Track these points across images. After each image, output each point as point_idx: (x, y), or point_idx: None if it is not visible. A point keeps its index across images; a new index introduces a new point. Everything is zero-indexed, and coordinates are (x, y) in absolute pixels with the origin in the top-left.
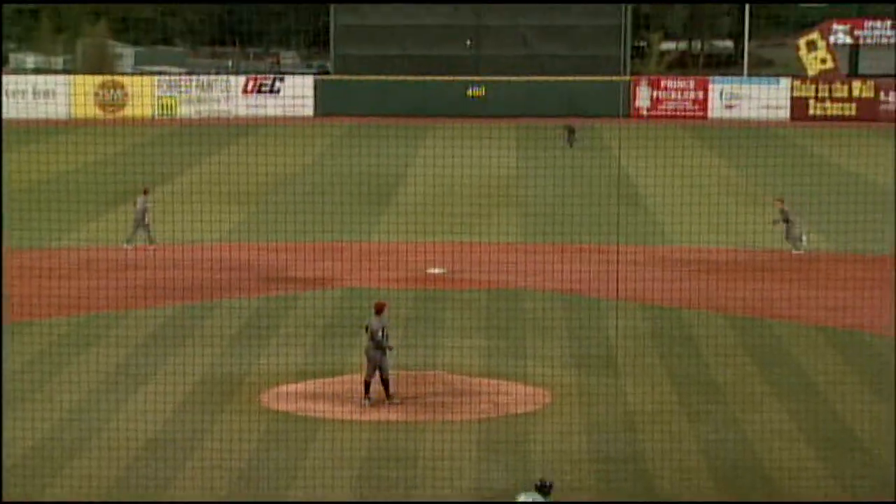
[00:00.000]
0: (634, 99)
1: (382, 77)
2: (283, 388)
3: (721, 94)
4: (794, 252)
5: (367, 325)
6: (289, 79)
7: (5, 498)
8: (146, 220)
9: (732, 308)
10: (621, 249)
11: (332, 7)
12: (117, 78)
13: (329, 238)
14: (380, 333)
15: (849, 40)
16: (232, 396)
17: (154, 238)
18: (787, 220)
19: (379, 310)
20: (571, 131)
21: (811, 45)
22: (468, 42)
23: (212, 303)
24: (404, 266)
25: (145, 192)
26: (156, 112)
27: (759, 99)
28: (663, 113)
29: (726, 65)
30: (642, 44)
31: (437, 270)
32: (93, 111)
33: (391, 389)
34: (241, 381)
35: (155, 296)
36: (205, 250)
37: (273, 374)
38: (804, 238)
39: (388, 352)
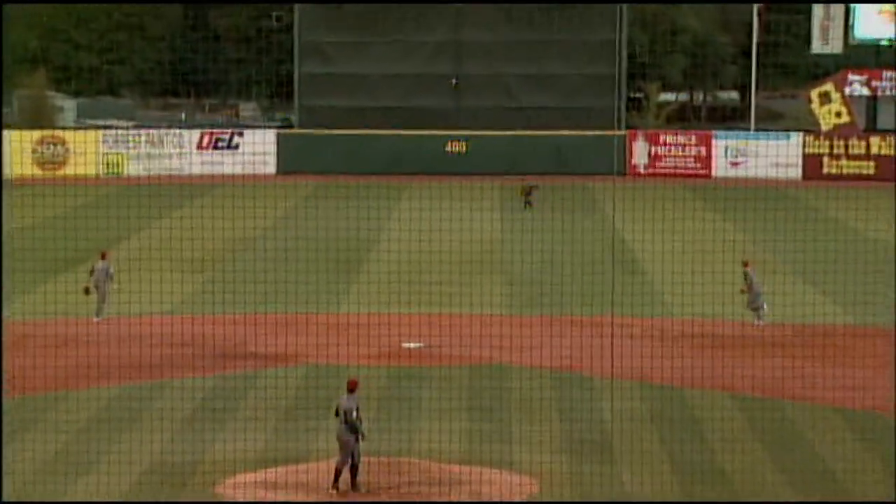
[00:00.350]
0: (630, 155)
1: (352, 131)
2: (241, 478)
3: (726, 150)
4: (756, 323)
5: (337, 406)
6: (248, 133)
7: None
8: (107, 288)
9: (741, 387)
10: (616, 321)
11: (295, 54)
12: (57, 132)
13: (293, 309)
14: (353, 414)
15: (866, 92)
16: (184, 487)
17: (101, 310)
18: (750, 287)
19: (352, 388)
20: (529, 191)
21: (825, 97)
22: (453, 81)
23: (161, 382)
24: (376, 340)
25: (103, 257)
26: (100, 170)
27: (767, 156)
28: (662, 170)
29: (731, 118)
30: (639, 95)
31: (412, 345)
32: (30, 169)
33: (359, 478)
34: (194, 469)
35: (97, 375)
36: (154, 324)
37: (230, 461)
38: (764, 308)
39: (361, 437)
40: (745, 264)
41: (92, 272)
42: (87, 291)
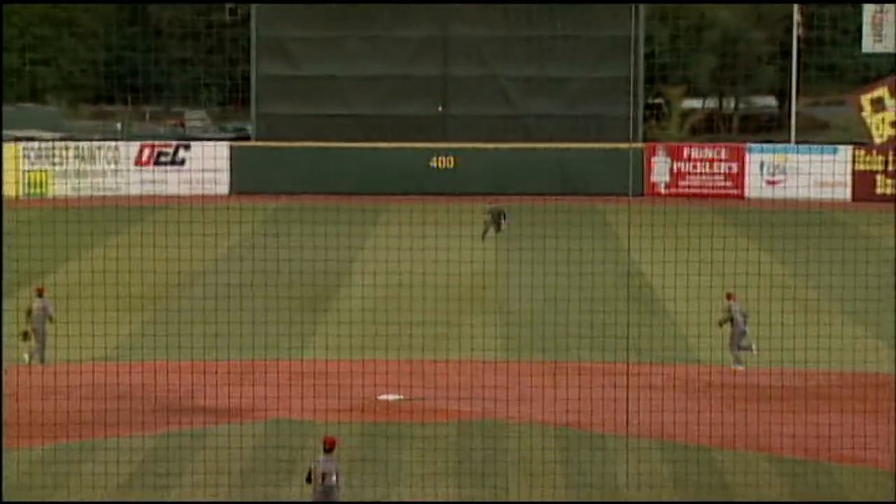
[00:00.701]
0: (649, 172)
1: (319, 143)
2: None
3: (762, 166)
4: (734, 367)
5: (310, 470)
6: (196, 146)
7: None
8: (46, 329)
9: (779, 448)
10: (633, 369)
11: (252, 53)
12: None
13: (249, 355)
14: (333, 478)
15: None
16: None
17: (34, 356)
18: (732, 321)
19: (329, 447)
20: (499, 216)
21: (878, 104)
22: (439, 107)
23: (93, 442)
24: (348, 391)
25: (40, 294)
26: (21, 190)
27: (810, 173)
28: (686, 190)
29: (768, 128)
30: (658, 101)
31: (391, 397)
32: None
33: None
34: None
35: (17, 434)
36: (84, 373)
37: None
38: (753, 350)
39: None
40: (729, 297)
41: (30, 313)
42: (25, 336)
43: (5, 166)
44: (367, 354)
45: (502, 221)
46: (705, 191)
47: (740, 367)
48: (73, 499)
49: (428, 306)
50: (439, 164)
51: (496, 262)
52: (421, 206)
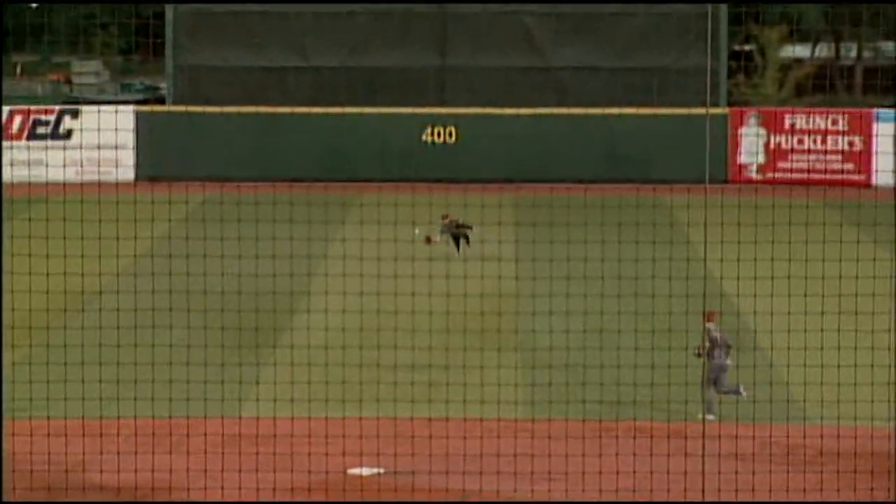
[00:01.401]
0: (735, 149)
1: (263, 108)
2: None
3: None
4: (703, 417)
5: None
6: (88, 112)
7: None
8: None
9: None
10: (710, 431)
11: None
12: None
13: (165, 411)
14: None
15: None
16: None
17: None
18: (709, 352)
19: None
20: (458, 230)
21: None
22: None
23: None
24: (305, 462)
25: None
26: None
27: None
28: (788, 175)
29: None
30: (748, 47)
31: (366, 471)
32: None
33: None
34: None
35: None
36: None
37: None
38: (742, 391)
39: None
40: (709, 318)
41: None
42: None
43: None
44: (333, 410)
45: (463, 235)
46: (815, 176)
47: (711, 417)
48: None
49: (419, 341)
50: (435, 138)
51: (516, 278)
52: (409, 197)
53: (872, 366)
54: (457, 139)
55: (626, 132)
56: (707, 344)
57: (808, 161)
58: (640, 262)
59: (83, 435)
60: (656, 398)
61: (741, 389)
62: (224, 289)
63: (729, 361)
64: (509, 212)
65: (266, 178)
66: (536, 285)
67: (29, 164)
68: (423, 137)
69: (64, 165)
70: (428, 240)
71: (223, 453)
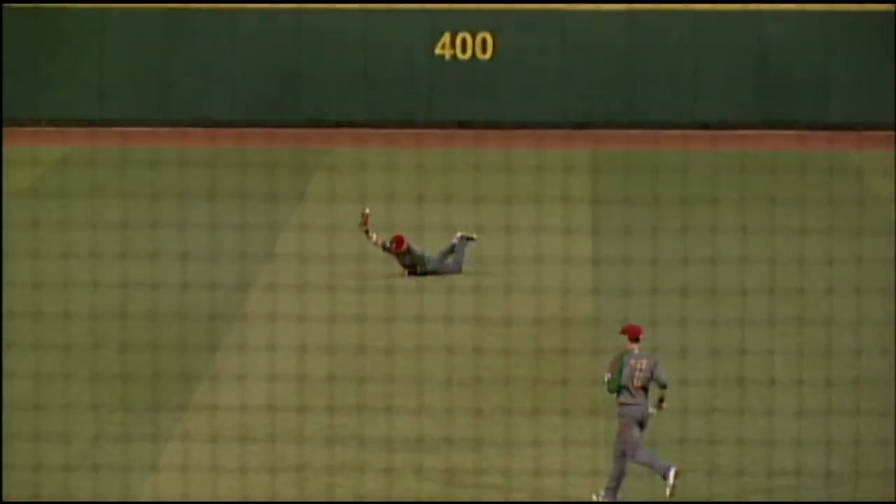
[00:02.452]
0: None
1: (174, 3)
2: None
3: None
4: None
5: None
6: None
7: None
8: None
9: None
10: None
11: None
12: None
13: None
14: None
15: None
16: None
17: None
18: (631, 383)
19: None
20: (456, 244)
21: None
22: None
23: None
24: None
25: None
26: None
27: None
28: None
29: None
30: None
31: None
32: None
33: None
34: None
35: None
36: None
37: None
38: (671, 477)
39: None
40: (630, 334)
41: None
42: None
43: None
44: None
45: (463, 244)
46: None
47: (599, 497)
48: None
49: (429, 398)
50: (456, 51)
51: (593, 292)
52: (413, 155)
53: None
54: (493, 54)
55: (784, 42)
56: (618, 377)
57: None
58: (808, 264)
59: None
60: (860, 488)
61: (670, 473)
62: (97, 310)
63: (653, 410)
64: (581, 180)
65: (169, 120)
66: (628, 304)
67: None
68: (437, 50)
69: None
70: (365, 223)
71: None
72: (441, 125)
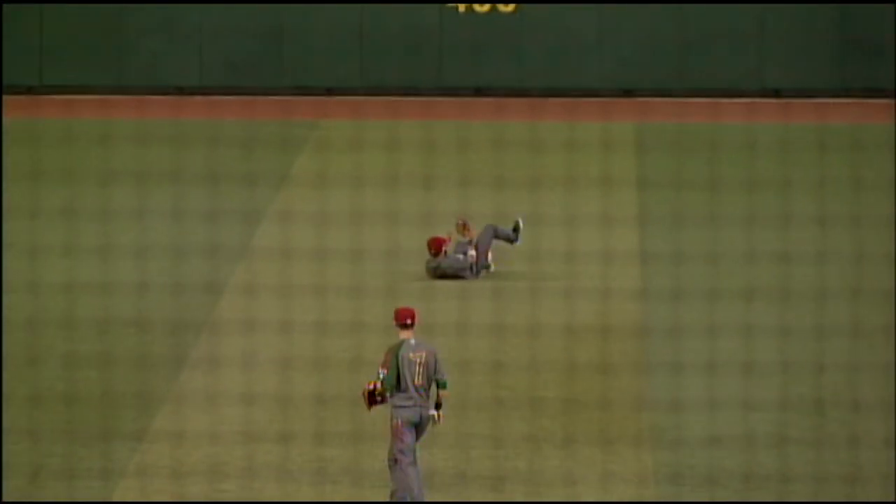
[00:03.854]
0: None
1: None
2: None
3: None
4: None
5: None
6: None
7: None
8: None
9: None
10: None
11: None
12: None
13: None
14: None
15: None
16: None
17: None
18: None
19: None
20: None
21: None
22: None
23: None
24: None
25: None
26: None
27: None
28: None
29: None
30: None
31: None
32: None
33: None
34: None
35: None
36: None
37: None
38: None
39: None
40: (396, 321)
41: None
42: None
43: None
44: None
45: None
46: None
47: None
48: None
49: (441, 425)
50: (471, 3)
51: (643, 294)
52: (420, 129)
53: None
54: (517, 5)
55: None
56: (393, 374)
57: None
58: None
59: None
60: None
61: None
62: (35, 317)
63: (434, 412)
64: (625, 159)
65: (123, 87)
66: (681, 309)
67: None
68: (453, 5)
69: None
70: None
71: None
72: (454, 93)
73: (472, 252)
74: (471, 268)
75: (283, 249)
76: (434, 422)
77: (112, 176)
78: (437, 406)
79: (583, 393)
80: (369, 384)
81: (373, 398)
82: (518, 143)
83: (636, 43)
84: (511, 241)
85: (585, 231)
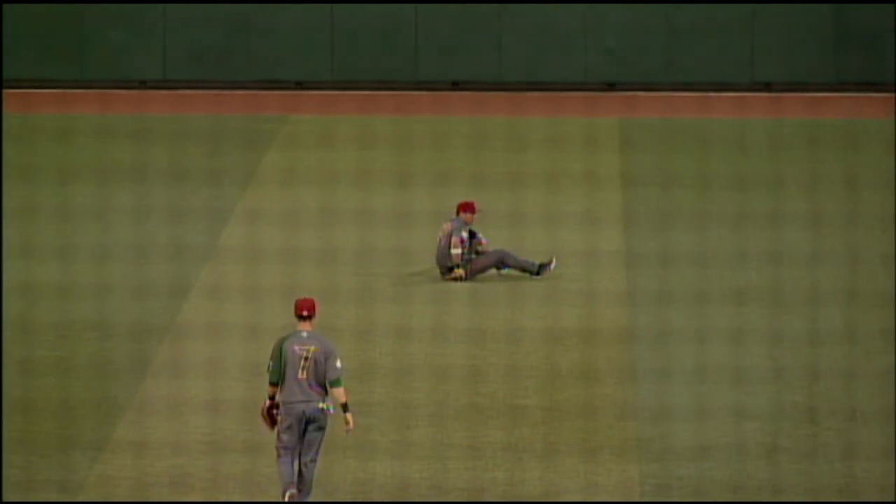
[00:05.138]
0: None
1: None
2: None
3: None
4: None
5: None
6: None
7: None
8: None
9: None
10: None
11: None
12: None
13: None
14: None
15: None
16: None
17: None
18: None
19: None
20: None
21: None
22: None
23: None
24: None
25: None
26: None
27: None
28: None
29: None
30: None
31: None
32: None
33: None
34: None
35: None
36: None
37: None
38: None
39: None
40: (295, 312)
41: None
42: None
43: None
44: None
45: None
46: None
47: None
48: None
49: (416, 434)
50: None
51: (629, 298)
52: (394, 124)
53: None
54: None
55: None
56: (278, 366)
57: None
58: None
59: None
60: None
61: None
62: None
63: (323, 405)
64: (609, 156)
65: (84, 80)
66: (669, 313)
67: None
68: None
69: None
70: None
71: None
72: (430, 86)
73: (458, 251)
74: (449, 268)
75: (251, 250)
76: (335, 422)
77: (72, 173)
78: (345, 408)
79: (565, 401)
80: (265, 403)
81: (273, 418)
82: (497, 140)
83: (621, 34)
84: (530, 273)
85: (568, 231)
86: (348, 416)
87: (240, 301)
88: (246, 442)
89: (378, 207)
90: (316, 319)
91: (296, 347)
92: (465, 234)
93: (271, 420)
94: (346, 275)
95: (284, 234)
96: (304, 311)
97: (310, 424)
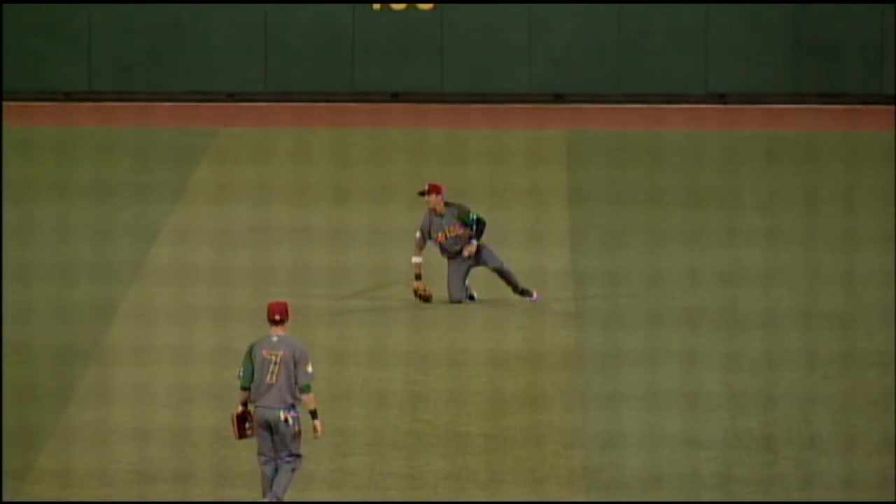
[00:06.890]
0: None
1: None
2: None
3: None
4: None
5: None
6: None
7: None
8: None
9: None
10: None
11: None
12: None
13: None
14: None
15: None
16: None
17: None
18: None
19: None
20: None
21: None
22: None
23: None
24: None
25: None
26: None
27: None
28: None
29: None
30: None
31: None
32: None
33: None
34: None
35: None
36: None
37: None
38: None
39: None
40: (267, 317)
41: None
42: None
43: None
44: None
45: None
46: None
47: None
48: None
49: (353, 463)
50: (391, 4)
51: (576, 318)
52: (331, 137)
53: None
54: (436, 4)
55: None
56: (249, 372)
57: None
58: (858, 282)
59: None
60: None
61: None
62: None
63: (281, 414)
64: (555, 170)
65: (7, 92)
66: (618, 335)
67: None
68: (375, 6)
69: None
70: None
71: None
72: (368, 98)
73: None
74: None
75: (181, 269)
76: (304, 430)
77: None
78: (313, 415)
79: (510, 428)
80: (238, 409)
81: (242, 425)
82: (439, 153)
83: (568, 43)
84: (522, 295)
85: (513, 249)
86: (316, 423)
87: (169, 323)
88: (175, 471)
89: (314, 224)
90: (289, 323)
91: (265, 352)
92: (456, 223)
93: (240, 428)
94: (280, 295)
95: (216, 253)
96: (277, 314)
97: (275, 433)
